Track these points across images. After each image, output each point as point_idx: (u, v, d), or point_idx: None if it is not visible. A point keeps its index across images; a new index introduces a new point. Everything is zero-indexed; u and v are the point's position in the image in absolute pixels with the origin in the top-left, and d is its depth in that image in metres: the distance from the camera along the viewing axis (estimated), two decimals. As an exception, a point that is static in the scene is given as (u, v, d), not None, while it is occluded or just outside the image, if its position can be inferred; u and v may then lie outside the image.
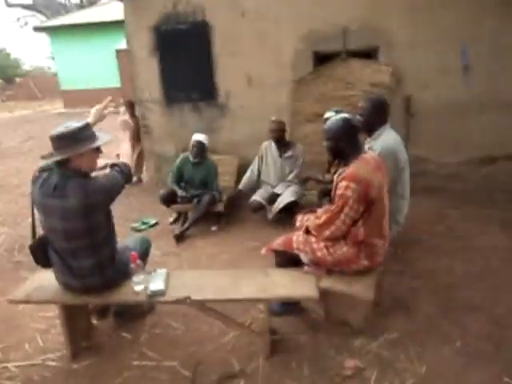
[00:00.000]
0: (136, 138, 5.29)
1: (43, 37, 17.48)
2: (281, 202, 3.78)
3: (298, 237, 2.25)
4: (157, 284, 2.10)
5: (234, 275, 2.28)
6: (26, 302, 2.10)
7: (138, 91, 5.07)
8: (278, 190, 3.97)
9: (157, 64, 4.92)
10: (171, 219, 4.18)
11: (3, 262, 3.60)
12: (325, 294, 2.15)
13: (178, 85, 4.97)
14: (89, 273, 2.04)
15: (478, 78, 4.18)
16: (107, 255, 2.09)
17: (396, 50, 4.25)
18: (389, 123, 2.57)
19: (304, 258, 2.22)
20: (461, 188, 4.40)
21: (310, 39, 4.47)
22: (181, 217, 4.11)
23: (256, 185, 4.17)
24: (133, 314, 2.54)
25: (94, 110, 2.24)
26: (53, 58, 18.12)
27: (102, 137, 2.08)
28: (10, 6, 23.58)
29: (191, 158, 3.94)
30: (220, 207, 3.94)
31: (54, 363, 2.21)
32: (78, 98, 15.73)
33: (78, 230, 1.95)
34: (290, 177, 4.00)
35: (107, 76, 15.28)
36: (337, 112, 3.30)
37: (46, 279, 2.21)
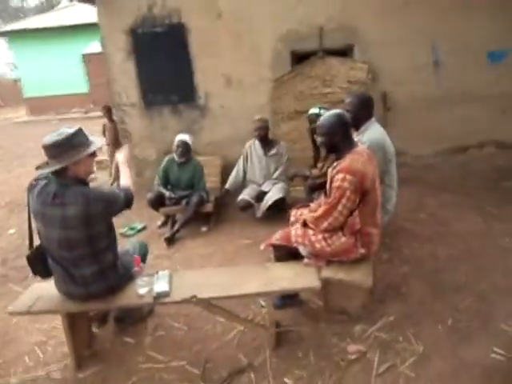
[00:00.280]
0: (115, 142, 5.21)
1: (0, 42, 16.74)
2: (269, 199, 3.85)
3: (296, 230, 2.32)
4: (161, 285, 2.11)
5: (236, 272, 2.32)
6: (28, 313, 2.05)
7: (115, 95, 4.99)
8: (264, 187, 4.04)
9: (134, 67, 4.86)
10: (159, 222, 4.16)
11: (-13, 277, 3.47)
12: (324, 285, 2.23)
13: (157, 88, 4.94)
14: (91, 280, 2.02)
15: (447, 73, 4.42)
16: (109, 261, 2.07)
17: (370, 48, 4.43)
18: (374, 117, 2.69)
19: (303, 250, 2.30)
20: (436, 177, 4.62)
21: (287, 39, 4.57)
22: (169, 220, 4.09)
23: (242, 184, 4.22)
24: (133, 319, 2.53)
25: (123, 154, 2.30)
26: (14, 65, 17.37)
27: (96, 141, 2.07)
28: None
29: (176, 159, 3.94)
30: (209, 207, 3.96)
31: (58, 374, 2.17)
32: (43, 106, 15.19)
33: (79, 238, 1.93)
34: (276, 174, 4.08)
35: (74, 82, 14.85)
36: (320, 108, 3.42)
37: (45, 289, 2.18)
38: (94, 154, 2.02)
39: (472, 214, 3.79)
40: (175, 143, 3.95)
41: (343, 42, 4.48)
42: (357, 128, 2.65)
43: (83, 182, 1.98)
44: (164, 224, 4.14)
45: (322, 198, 2.41)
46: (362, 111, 2.59)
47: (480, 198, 4.08)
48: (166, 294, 2.08)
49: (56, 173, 1.91)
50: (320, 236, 2.25)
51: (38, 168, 1.95)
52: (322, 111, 3.37)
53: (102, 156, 5.87)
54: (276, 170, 4.09)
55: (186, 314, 2.58)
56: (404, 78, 4.46)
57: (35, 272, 2.10)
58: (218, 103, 4.91)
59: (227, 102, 4.88)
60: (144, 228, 4.16)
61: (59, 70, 14.77)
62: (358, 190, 2.08)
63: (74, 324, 2.17)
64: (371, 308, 2.50)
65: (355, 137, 2.67)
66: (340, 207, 2.11)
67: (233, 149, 4.95)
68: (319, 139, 2.24)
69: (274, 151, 4.06)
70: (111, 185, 5.31)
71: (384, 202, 2.58)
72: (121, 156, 2.33)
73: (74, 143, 1.90)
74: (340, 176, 2.06)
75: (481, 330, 2.28)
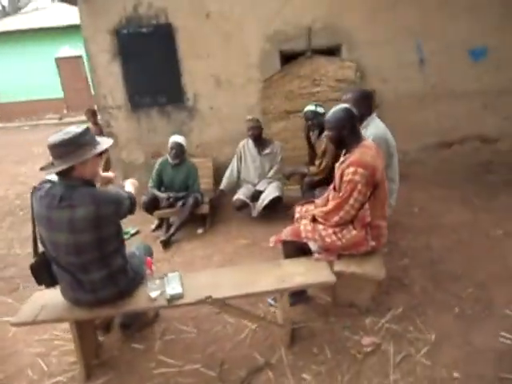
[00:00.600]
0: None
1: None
2: (265, 198, 3.84)
3: (305, 226, 2.32)
4: (174, 287, 2.05)
5: (248, 270, 2.30)
6: (34, 323, 1.95)
7: (100, 98, 4.85)
8: (259, 186, 4.02)
9: (119, 69, 4.73)
10: (153, 226, 4.06)
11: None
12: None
13: (143, 89, 4.83)
14: (101, 286, 1.94)
15: (432, 71, 4.56)
16: (119, 265, 1.99)
17: (358, 48, 4.50)
18: (374, 112, 2.74)
19: (313, 246, 2.30)
20: (423, 172, 4.75)
21: (275, 39, 4.58)
22: (163, 223, 4.01)
23: (236, 184, 4.19)
24: (139, 324, 2.45)
25: (132, 182, 2.26)
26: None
27: (103, 141, 2.00)
28: None
29: (170, 161, 3.86)
30: (205, 209, 3.90)
31: (67, 386, 2.08)
32: (15, 111, 14.60)
33: (88, 242, 1.84)
34: (271, 173, 4.07)
35: (48, 86, 14.34)
36: (316, 106, 3.45)
37: (49, 298, 2.08)
38: (100, 155, 1.95)
39: (460, 206, 3.92)
40: (169, 145, 3.88)
41: (331, 41, 4.54)
42: (359, 123, 2.67)
43: (90, 184, 1.91)
44: (158, 227, 4.05)
45: (331, 193, 2.41)
46: (364, 106, 2.62)
47: (466, 191, 4.23)
48: (179, 296, 2.02)
49: (61, 174, 1.83)
50: (330, 230, 2.26)
51: (42, 169, 1.86)
52: (318, 108, 3.40)
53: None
54: (270, 169, 4.09)
55: (193, 316, 2.53)
56: (391, 75, 4.57)
57: (40, 282, 1.98)
58: (206, 104, 4.86)
59: (216, 102, 4.83)
60: (137, 232, 4.05)
61: (33, 75, 14.23)
62: (369, 183, 2.10)
63: (82, 332, 2.08)
64: (378, 300, 2.53)
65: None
66: (351, 201, 2.13)
67: (223, 150, 4.92)
68: (326, 133, 2.25)
69: (267, 150, 4.06)
70: None
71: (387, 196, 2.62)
72: (128, 183, 2.27)
73: (81, 143, 1.82)
74: (351, 170, 2.07)
75: (486, 316, 2.35)
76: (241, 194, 3.98)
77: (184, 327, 2.46)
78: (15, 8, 21.99)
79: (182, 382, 2.04)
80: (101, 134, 5.07)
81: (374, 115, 2.72)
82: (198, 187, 3.96)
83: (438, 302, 2.51)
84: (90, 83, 14.07)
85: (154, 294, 2.04)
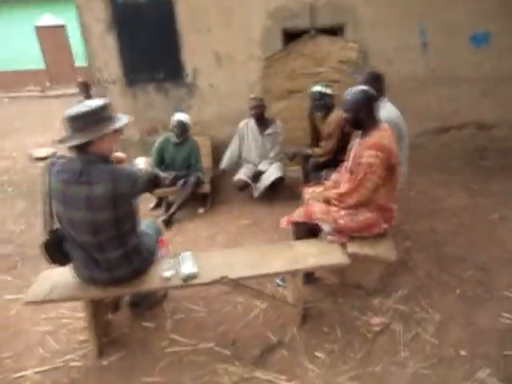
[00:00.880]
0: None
1: None
2: (267, 179, 3.81)
3: (318, 207, 2.32)
4: (189, 267, 2.04)
5: (260, 251, 2.29)
6: (46, 301, 1.91)
7: (95, 71, 4.65)
8: (261, 167, 3.99)
9: (115, 41, 4.54)
10: (152, 205, 4.00)
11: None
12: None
13: (140, 64, 4.66)
14: (116, 264, 1.91)
15: (434, 54, 4.53)
16: (134, 244, 1.96)
17: (362, 28, 4.42)
18: (386, 95, 2.71)
19: (326, 227, 2.30)
20: (423, 157, 4.78)
21: (277, 16, 4.45)
22: (162, 202, 3.95)
23: (237, 164, 4.14)
24: (149, 303, 2.44)
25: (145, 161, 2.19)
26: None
27: (121, 117, 1.93)
28: None
29: (173, 139, 3.77)
30: (206, 188, 3.85)
31: (79, 363, 2.06)
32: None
33: (106, 220, 1.80)
34: (272, 153, 4.04)
35: (28, 56, 13.66)
36: (323, 86, 3.39)
37: (60, 277, 2.03)
38: (119, 131, 1.88)
39: (459, 190, 3.99)
40: (172, 123, 3.78)
41: (334, 20, 4.44)
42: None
43: (107, 160, 1.84)
44: (157, 206, 3.99)
45: (344, 175, 2.41)
46: (377, 88, 2.59)
47: (465, 175, 4.31)
48: (194, 276, 2.01)
49: (78, 148, 1.76)
50: (343, 212, 2.27)
51: (60, 142, 1.78)
52: (325, 89, 3.35)
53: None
54: (272, 149, 4.05)
55: (203, 296, 2.53)
56: (394, 57, 4.52)
57: (53, 260, 1.93)
58: (206, 81, 4.73)
59: (216, 79, 4.71)
60: (136, 211, 3.98)
61: (12, 44, 13.52)
62: (386, 166, 2.10)
63: (94, 311, 2.05)
64: (384, 282, 2.58)
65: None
66: (367, 183, 2.13)
67: (221, 129, 4.83)
68: (344, 115, 2.23)
69: (270, 130, 4.00)
70: None
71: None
72: (141, 161, 2.20)
73: (101, 117, 1.76)
74: (371, 152, 2.06)
75: (487, 297, 2.43)
76: (242, 174, 3.94)
77: (194, 306, 2.47)
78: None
79: (195, 360, 2.06)
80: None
81: (385, 98, 2.69)
82: (201, 166, 3.89)
83: (442, 284, 2.58)
84: (74, 54, 13.53)
85: (168, 274, 2.02)
